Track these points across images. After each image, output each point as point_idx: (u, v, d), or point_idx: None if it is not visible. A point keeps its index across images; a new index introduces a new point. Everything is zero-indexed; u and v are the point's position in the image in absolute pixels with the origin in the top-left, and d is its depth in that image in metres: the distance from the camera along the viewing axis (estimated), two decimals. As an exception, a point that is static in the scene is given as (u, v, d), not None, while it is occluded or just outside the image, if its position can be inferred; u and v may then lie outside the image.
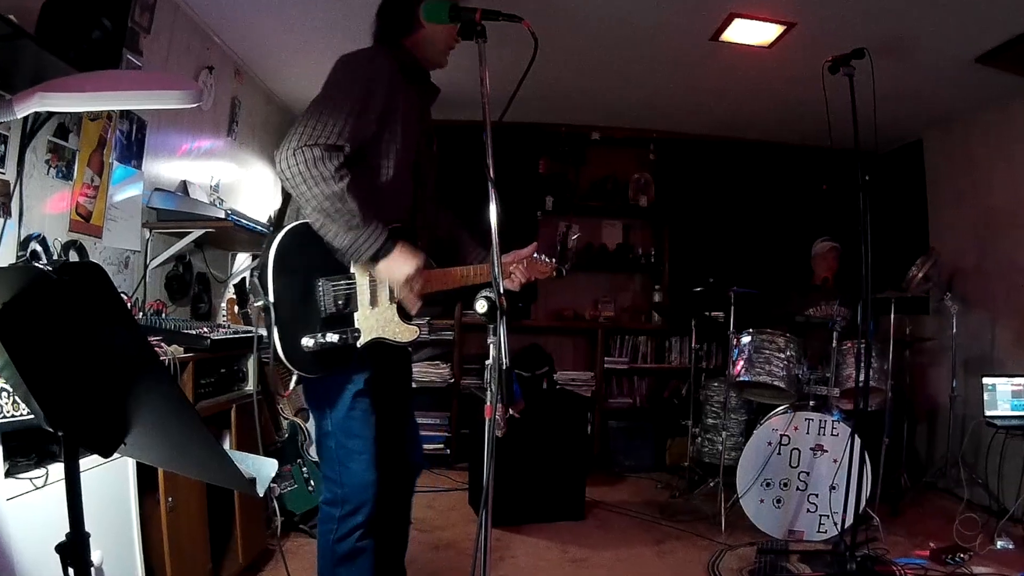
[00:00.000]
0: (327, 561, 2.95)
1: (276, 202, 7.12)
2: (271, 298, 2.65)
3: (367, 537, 2.91)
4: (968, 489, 5.77)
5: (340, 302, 2.79)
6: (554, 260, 3.40)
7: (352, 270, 2.84)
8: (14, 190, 3.35)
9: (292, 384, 2.77)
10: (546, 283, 7.80)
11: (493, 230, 2.38)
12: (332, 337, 2.71)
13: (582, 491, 5.82)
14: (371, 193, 2.79)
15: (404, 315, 2.96)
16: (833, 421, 5.15)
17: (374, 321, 2.87)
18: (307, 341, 2.67)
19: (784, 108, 6.89)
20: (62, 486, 1.66)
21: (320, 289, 2.76)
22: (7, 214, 3.32)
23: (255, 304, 2.68)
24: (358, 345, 2.83)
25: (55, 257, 3.58)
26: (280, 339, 2.65)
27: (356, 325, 2.83)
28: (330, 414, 2.91)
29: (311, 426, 5.17)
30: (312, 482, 4.98)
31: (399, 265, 2.79)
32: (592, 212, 8.15)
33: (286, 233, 2.72)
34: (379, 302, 2.90)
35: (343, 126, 2.71)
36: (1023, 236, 6.23)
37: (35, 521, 2.50)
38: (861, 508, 4.60)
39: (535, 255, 3.33)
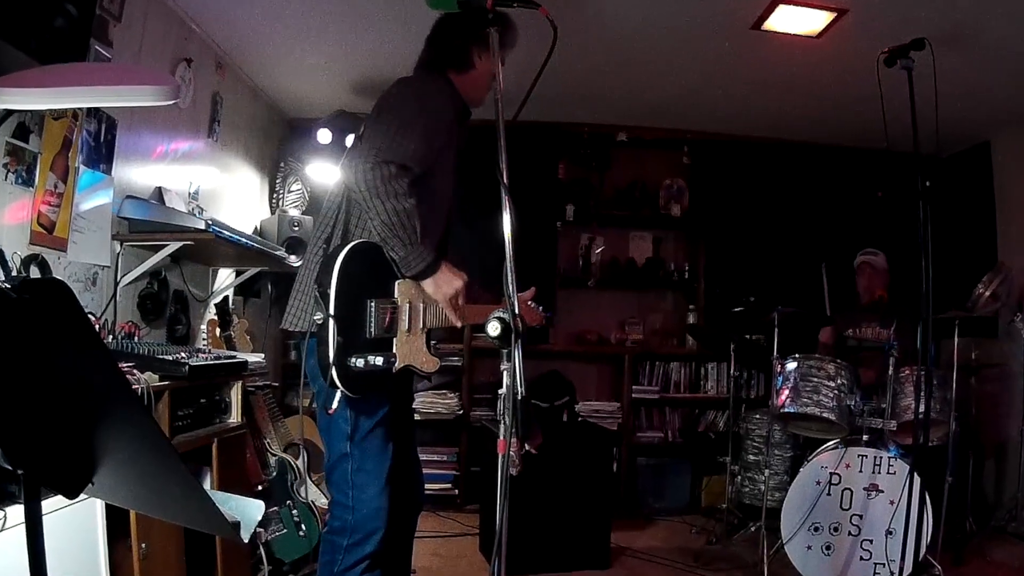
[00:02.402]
0: None
1: (260, 215, 7.14)
2: (331, 311, 2.81)
3: (372, 571, 3.07)
4: (1043, 535, 5.74)
5: (384, 326, 2.97)
6: (542, 308, 3.75)
7: (396, 295, 3.03)
8: (-30, 198, 3.36)
9: (335, 404, 2.90)
10: (567, 302, 7.89)
11: (507, 242, 2.38)
12: (378, 360, 2.88)
13: (607, 536, 5.79)
14: (424, 217, 3.06)
15: (429, 345, 3.18)
16: (889, 458, 5.10)
17: (408, 348, 3.07)
18: (357, 361, 2.83)
19: (834, 106, 6.89)
20: (22, 531, 1.65)
21: (370, 310, 2.93)
22: (-37, 225, 3.33)
23: (313, 317, 2.86)
24: (394, 370, 3.01)
25: (14, 273, 3.58)
26: (334, 355, 2.80)
27: (394, 350, 3.02)
28: (352, 435, 3.10)
29: (302, 463, 5.17)
30: (304, 527, 4.97)
31: (446, 282, 3.09)
32: (618, 222, 8.16)
33: (349, 250, 2.91)
34: (414, 329, 3.09)
35: (415, 150, 3.01)
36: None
37: (-9, 570, 2.50)
38: (921, 555, 4.57)
39: (529, 302, 3.63)
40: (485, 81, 3.42)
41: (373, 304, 2.91)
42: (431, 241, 3.09)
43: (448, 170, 3.32)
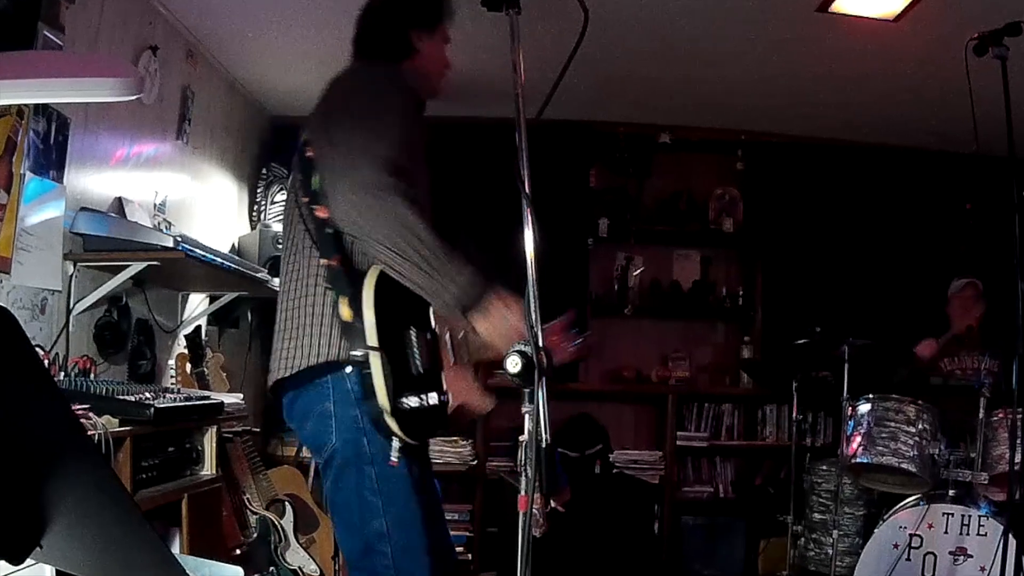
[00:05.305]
0: None
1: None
2: (375, 343, 2.65)
3: None
4: None
5: (427, 358, 2.80)
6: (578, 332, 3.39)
7: (432, 320, 2.87)
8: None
9: (394, 455, 2.72)
10: (601, 333, 7.87)
11: (529, 263, 2.37)
12: (433, 398, 2.75)
13: (647, 610, 5.79)
14: None
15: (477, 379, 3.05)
16: (980, 516, 5.08)
17: (459, 384, 2.91)
18: (411, 400, 2.68)
19: (914, 102, 6.88)
20: (-43, 602, 1.65)
21: (410, 340, 2.77)
22: None
23: (352, 353, 2.69)
24: (449, 409, 2.85)
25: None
26: (388, 395, 2.64)
27: (445, 387, 2.84)
28: (386, 505, 2.84)
29: (287, 523, 5.16)
30: (288, 596, 4.97)
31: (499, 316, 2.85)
32: (660, 239, 8.17)
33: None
34: (459, 360, 2.96)
35: (400, 145, 2.73)
36: None
37: (-78, 648, 2.50)
38: (1021, 634, 4.54)
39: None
40: (435, 66, 3.29)
41: (414, 333, 2.76)
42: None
43: (423, 170, 2.98)
